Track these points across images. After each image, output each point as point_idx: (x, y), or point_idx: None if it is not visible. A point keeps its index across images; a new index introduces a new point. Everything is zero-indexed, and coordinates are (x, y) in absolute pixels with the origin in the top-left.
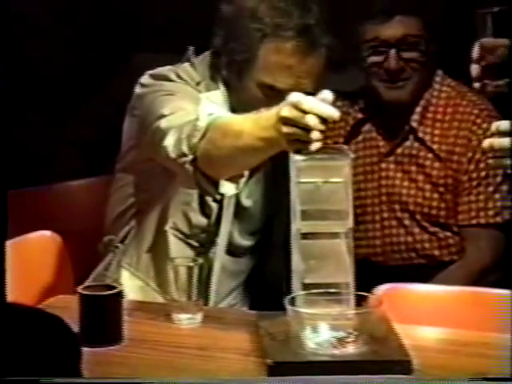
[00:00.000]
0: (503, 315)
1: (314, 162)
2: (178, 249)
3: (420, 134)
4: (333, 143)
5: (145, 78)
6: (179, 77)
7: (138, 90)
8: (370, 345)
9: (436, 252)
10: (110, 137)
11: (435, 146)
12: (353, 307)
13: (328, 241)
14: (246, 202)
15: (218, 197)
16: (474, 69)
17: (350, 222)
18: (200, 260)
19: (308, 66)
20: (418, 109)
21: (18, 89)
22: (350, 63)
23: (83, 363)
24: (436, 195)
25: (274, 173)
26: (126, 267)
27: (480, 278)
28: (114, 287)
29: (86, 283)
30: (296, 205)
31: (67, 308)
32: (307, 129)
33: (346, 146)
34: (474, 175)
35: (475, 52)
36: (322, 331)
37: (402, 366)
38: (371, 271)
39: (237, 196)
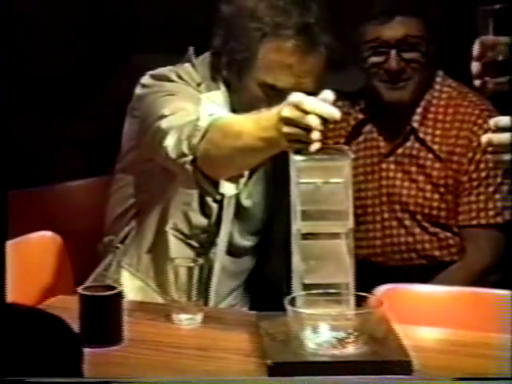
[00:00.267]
0: (503, 316)
1: (315, 162)
2: (178, 249)
3: (421, 135)
4: (333, 143)
5: (145, 79)
6: (180, 77)
7: (138, 90)
8: (370, 345)
9: (436, 252)
10: (110, 137)
11: (436, 147)
12: (353, 308)
13: (328, 241)
14: (246, 202)
15: (218, 197)
16: (475, 66)
17: (351, 223)
18: (200, 260)
19: (308, 65)
20: (419, 109)
21: (18, 89)
22: (351, 63)
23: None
24: (436, 196)
25: (274, 173)
26: (126, 268)
27: (480, 279)
28: (114, 288)
29: (86, 284)
30: (296, 205)
31: (67, 308)
32: (308, 129)
33: (346, 147)
34: (475, 176)
35: (476, 49)
36: (322, 332)
37: (402, 366)
38: (371, 272)
39: (237, 196)
